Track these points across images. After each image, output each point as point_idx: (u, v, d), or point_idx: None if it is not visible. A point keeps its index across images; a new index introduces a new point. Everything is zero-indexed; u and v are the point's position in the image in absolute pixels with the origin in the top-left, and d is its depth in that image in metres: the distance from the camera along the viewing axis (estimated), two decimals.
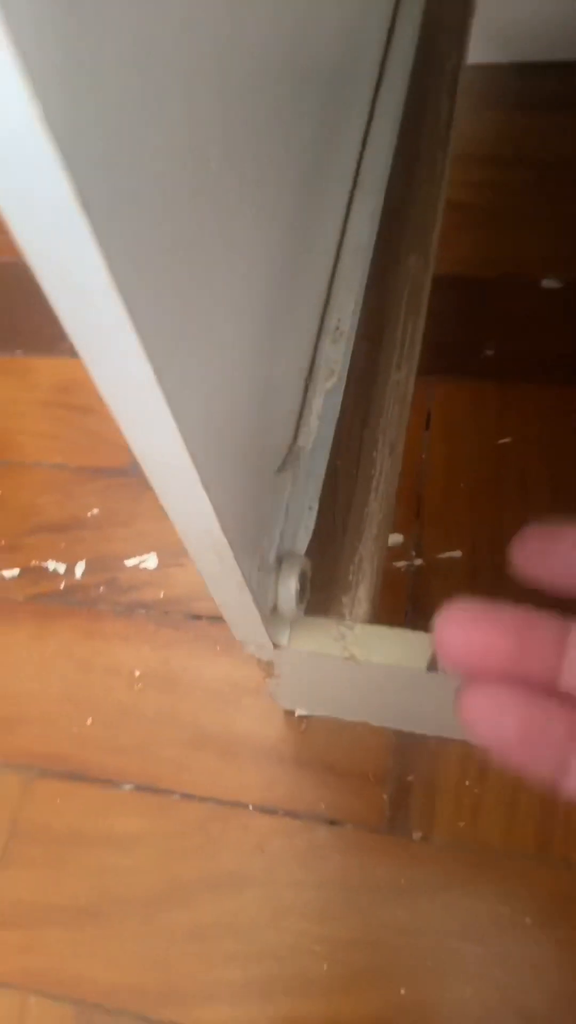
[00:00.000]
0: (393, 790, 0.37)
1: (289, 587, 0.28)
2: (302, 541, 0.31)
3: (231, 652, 0.42)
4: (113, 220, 0.13)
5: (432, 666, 0.30)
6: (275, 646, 0.31)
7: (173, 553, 0.47)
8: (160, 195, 0.15)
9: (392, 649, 0.31)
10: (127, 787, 0.39)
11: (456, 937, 0.34)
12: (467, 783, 0.37)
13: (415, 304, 0.39)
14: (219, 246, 0.19)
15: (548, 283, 0.53)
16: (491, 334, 0.51)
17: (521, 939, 0.33)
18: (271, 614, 0.30)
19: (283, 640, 0.31)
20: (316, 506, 0.32)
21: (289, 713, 0.40)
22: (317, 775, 0.38)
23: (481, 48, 0.62)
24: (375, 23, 0.40)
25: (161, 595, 0.45)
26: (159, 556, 0.47)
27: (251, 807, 0.38)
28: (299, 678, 0.35)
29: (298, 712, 0.40)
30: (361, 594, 0.32)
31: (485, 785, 0.37)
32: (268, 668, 0.35)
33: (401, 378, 0.38)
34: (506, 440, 0.47)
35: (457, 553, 0.44)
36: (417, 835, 0.36)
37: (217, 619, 0.44)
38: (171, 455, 0.19)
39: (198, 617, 0.44)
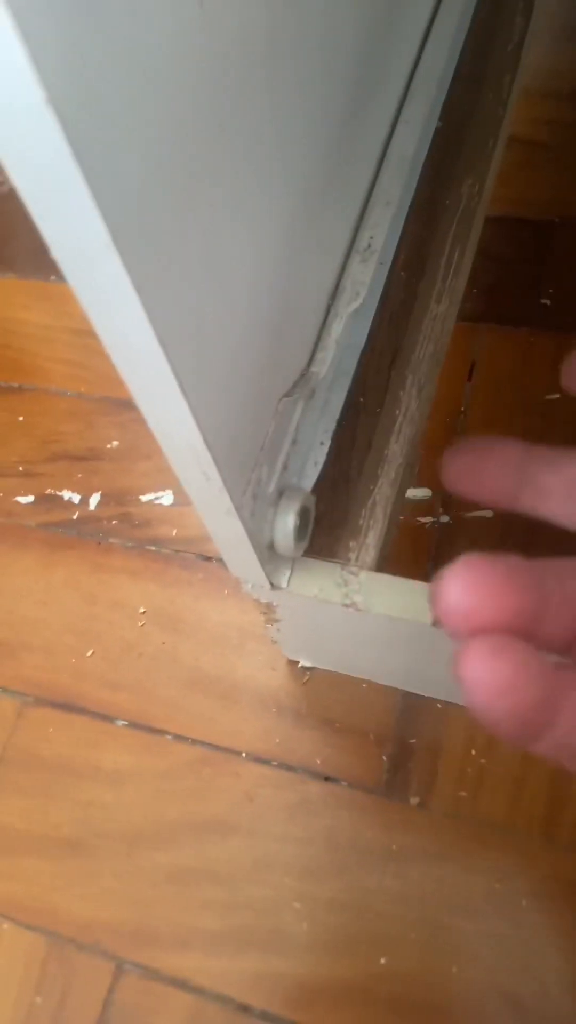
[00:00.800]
0: (394, 752, 0.35)
1: (287, 522, 0.26)
2: (309, 476, 0.29)
3: (239, 596, 0.41)
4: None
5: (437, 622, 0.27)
6: (273, 587, 0.29)
7: None
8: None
9: (398, 600, 0.28)
10: (121, 723, 0.38)
11: (446, 911, 0.32)
12: (473, 752, 0.35)
13: (464, 232, 0.36)
14: (229, 141, 0.17)
15: None
16: (549, 282, 0.47)
17: (515, 920, 0.31)
18: (269, 551, 0.28)
19: (282, 581, 0.29)
20: (328, 441, 0.30)
21: (293, 663, 0.38)
22: (316, 729, 0.36)
23: None
24: None
25: (174, 533, 0.44)
26: (176, 494, 0.45)
27: (244, 754, 0.36)
28: (301, 625, 0.33)
29: (302, 663, 0.38)
30: (370, 540, 0.30)
31: (493, 757, 0.34)
32: (268, 611, 0.33)
33: (440, 312, 0.35)
34: (555, 396, 0.44)
35: (488, 513, 0.41)
36: (415, 800, 0.34)
37: None
38: (141, 343, 0.17)
39: (208, 559, 0.42)
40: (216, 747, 0.37)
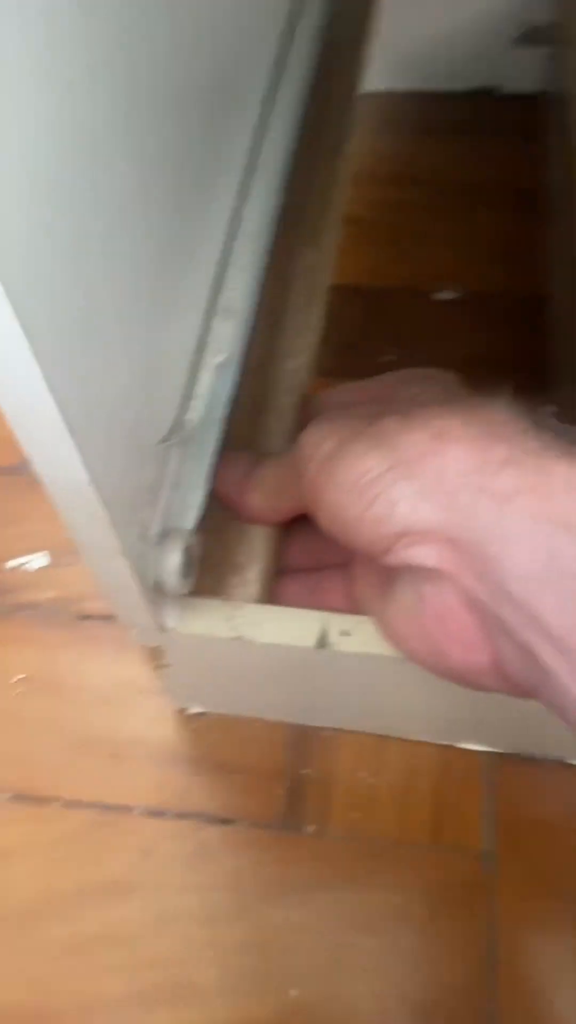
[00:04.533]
0: (289, 785, 0.36)
1: (173, 559, 0.27)
2: (190, 518, 0.30)
3: (123, 652, 0.41)
4: None
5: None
6: (161, 630, 0.30)
7: (63, 552, 0.45)
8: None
9: (282, 627, 0.30)
10: (2, 797, 0.37)
11: (349, 931, 0.33)
12: (362, 773, 0.36)
13: (309, 293, 0.39)
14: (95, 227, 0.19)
15: (443, 295, 0.55)
16: (389, 341, 0.53)
17: (413, 929, 0.33)
18: (155, 594, 0.29)
19: (169, 622, 0.30)
20: (205, 485, 0.31)
21: (182, 711, 0.39)
22: (210, 774, 0.37)
23: (380, 75, 0.65)
24: (269, 34, 0.41)
25: (50, 595, 0.43)
26: (52, 555, 0.44)
27: (138, 811, 0.36)
28: (190, 667, 0.34)
29: (191, 710, 0.38)
30: (251, 575, 0.31)
31: (381, 775, 0.36)
32: (156, 657, 0.33)
33: (297, 366, 0.38)
34: None
35: None
36: (310, 829, 0.35)
37: (109, 618, 0.42)
38: (32, 392, 0.18)
39: (88, 617, 0.42)
40: (108, 807, 0.36)
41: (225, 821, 0.36)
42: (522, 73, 0.67)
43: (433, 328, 0.54)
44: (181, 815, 0.36)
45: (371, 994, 0.31)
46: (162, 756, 0.37)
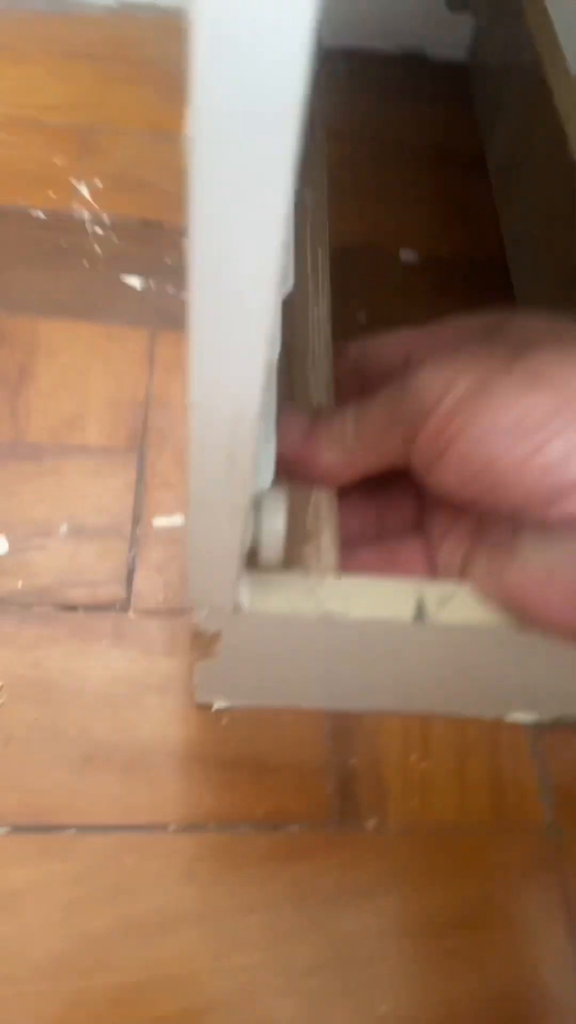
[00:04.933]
0: (337, 779, 0.33)
1: (275, 523, 0.23)
2: (266, 477, 0.26)
3: (123, 644, 0.35)
4: None
5: None
6: (236, 610, 0.25)
7: (26, 535, 0.38)
8: None
9: (375, 600, 0.26)
10: (1, 831, 0.30)
11: (430, 930, 0.30)
12: (412, 758, 0.33)
13: (316, 233, 0.36)
14: None
15: (406, 256, 0.53)
16: (361, 302, 0.50)
17: (495, 917, 0.30)
18: (246, 566, 0.24)
19: (244, 601, 0.26)
20: (273, 439, 0.27)
21: (204, 708, 0.34)
22: (247, 776, 0.32)
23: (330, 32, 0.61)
24: None
25: (19, 585, 0.36)
26: (10, 540, 0.37)
27: (172, 827, 0.31)
28: (239, 655, 0.29)
29: (216, 705, 0.34)
30: (326, 543, 0.27)
31: (432, 758, 0.33)
32: (207, 645, 0.28)
33: (321, 315, 0.34)
34: None
35: None
36: (371, 824, 0.32)
37: (97, 608, 0.36)
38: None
39: (73, 608, 0.36)
40: (135, 827, 0.31)
41: (275, 827, 0.31)
42: (453, 40, 0.66)
43: (399, 290, 0.52)
44: (223, 826, 0.31)
45: (469, 995, 0.29)
46: (188, 761, 0.32)
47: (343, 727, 0.34)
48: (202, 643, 0.28)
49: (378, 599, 0.26)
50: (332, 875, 0.31)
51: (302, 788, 0.32)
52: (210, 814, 0.31)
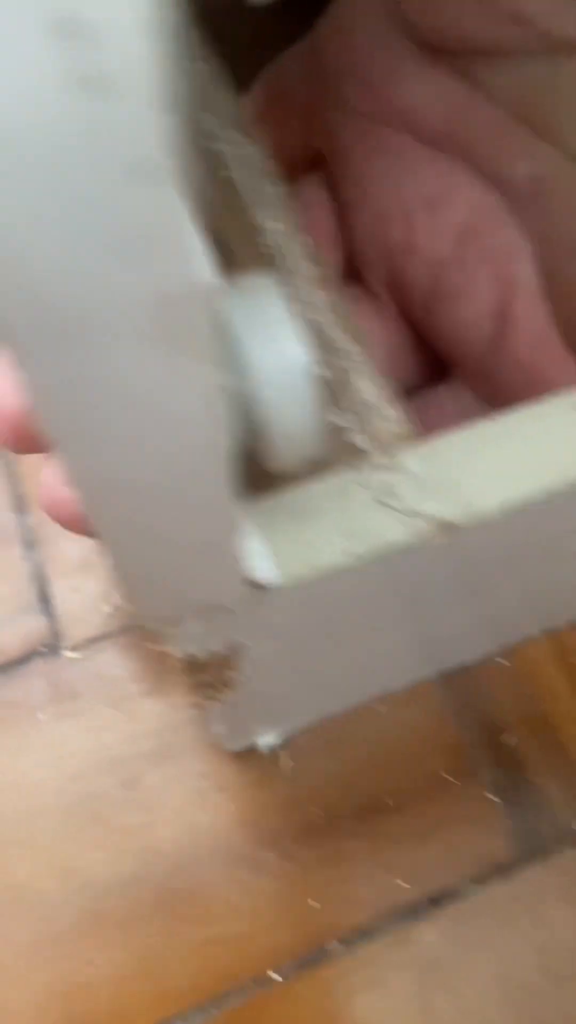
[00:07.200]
0: (494, 774, 0.20)
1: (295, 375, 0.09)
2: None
3: (73, 707, 0.21)
4: None
5: None
6: (257, 586, 0.11)
7: None
8: None
9: (520, 474, 0.13)
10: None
11: None
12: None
13: None
14: None
15: None
16: None
17: None
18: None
19: (266, 570, 0.12)
20: None
21: (245, 756, 0.20)
22: (363, 829, 0.19)
23: None
24: None
25: None
26: None
27: (274, 973, 0.18)
28: (280, 658, 0.16)
29: (262, 742, 0.20)
30: (389, 413, 0.13)
31: None
32: (220, 669, 0.14)
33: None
34: None
35: None
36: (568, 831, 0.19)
37: (13, 663, 0.21)
38: None
39: None
40: (217, 1000, 0.17)
41: (434, 901, 0.18)
42: None
43: None
44: (393, 915, 0.18)
45: None
46: (277, 839, 0.19)
47: (463, 692, 0.21)
48: (206, 676, 0.14)
49: (522, 469, 0.12)
50: (555, 914, 0.18)
51: (452, 811, 0.19)
52: (364, 908, 0.18)
